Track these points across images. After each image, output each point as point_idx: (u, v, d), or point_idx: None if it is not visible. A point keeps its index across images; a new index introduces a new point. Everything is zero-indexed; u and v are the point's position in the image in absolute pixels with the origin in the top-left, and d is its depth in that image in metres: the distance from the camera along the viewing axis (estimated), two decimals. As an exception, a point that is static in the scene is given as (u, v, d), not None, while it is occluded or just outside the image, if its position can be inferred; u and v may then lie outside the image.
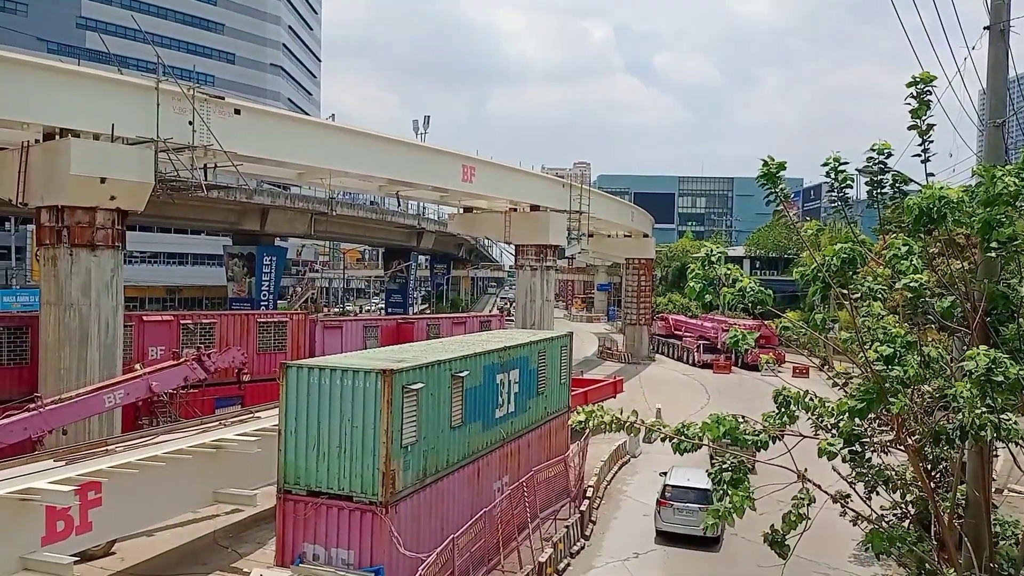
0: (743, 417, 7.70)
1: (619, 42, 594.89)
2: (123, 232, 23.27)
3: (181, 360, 23.11)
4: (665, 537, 20.09)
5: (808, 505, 7.69)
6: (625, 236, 65.61)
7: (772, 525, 7.91)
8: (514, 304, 55.33)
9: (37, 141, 22.41)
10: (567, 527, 19.31)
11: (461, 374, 16.40)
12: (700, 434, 7.67)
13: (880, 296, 7.80)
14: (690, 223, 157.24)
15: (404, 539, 14.03)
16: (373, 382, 13.90)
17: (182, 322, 27.52)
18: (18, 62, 21.81)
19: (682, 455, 7.78)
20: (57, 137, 21.82)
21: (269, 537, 18.05)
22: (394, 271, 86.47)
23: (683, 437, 7.76)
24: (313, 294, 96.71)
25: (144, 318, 26.92)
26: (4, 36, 70.72)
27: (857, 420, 7.61)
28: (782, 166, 7.84)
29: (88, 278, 22.13)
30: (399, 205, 75.15)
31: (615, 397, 35.01)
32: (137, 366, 23.21)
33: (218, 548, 18.86)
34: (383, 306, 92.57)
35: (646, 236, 67.40)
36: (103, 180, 21.77)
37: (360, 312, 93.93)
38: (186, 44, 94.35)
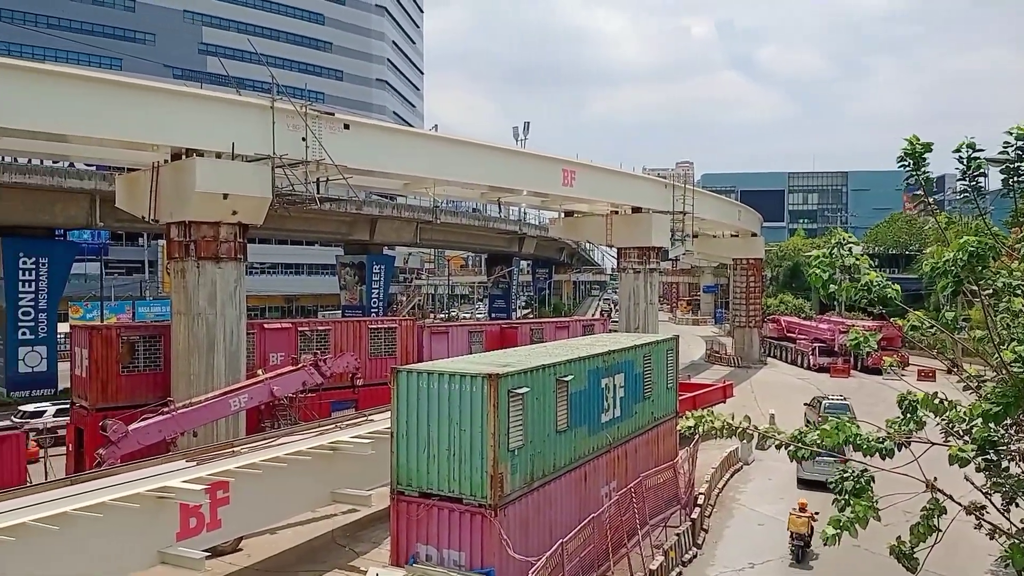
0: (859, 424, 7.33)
1: (721, 38, 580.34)
2: (244, 245, 24.66)
3: (299, 366, 24.18)
4: (805, 484, 23.58)
5: (939, 516, 7.25)
6: (732, 236, 63.81)
7: (899, 537, 7.50)
8: (617, 308, 54.82)
9: (166, 161, 24.07)
10: (678, 535, 18.94)
11: (566, 378, 16.40)
12: (818, 441, 7.37)
13: (1020, 291, 7.25)
14: (802, 220, 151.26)
15: (513, 542, 14.15)
16: (480, 386, 14.10)
17: (299, 329, 28.79)
18: (148, 88, 23.51)
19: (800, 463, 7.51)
20: (184, 157, 23.34)
21: (384, 537, 18.60)
22: (497, 276, 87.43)
23: (800, 444, 7.48)
24: (420, 300, 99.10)
25: (265, 326, 28.31)
26: (135, 64, 76.26)
27: (992, 425, 7.11)
28: (928, 147, 7.33)
29: (214, 289, 23.58)
30: (500, 211, 76.10)
31: (725, 402, 34.07)
32: (259, 372, 24.45)
33: (336, 547, 19.59)
34: (486, 311, 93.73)
35: (754, 235, 65.31)
36: (225, 196, 23.15)
37: (459, 318, 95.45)
38: (298, 64, 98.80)
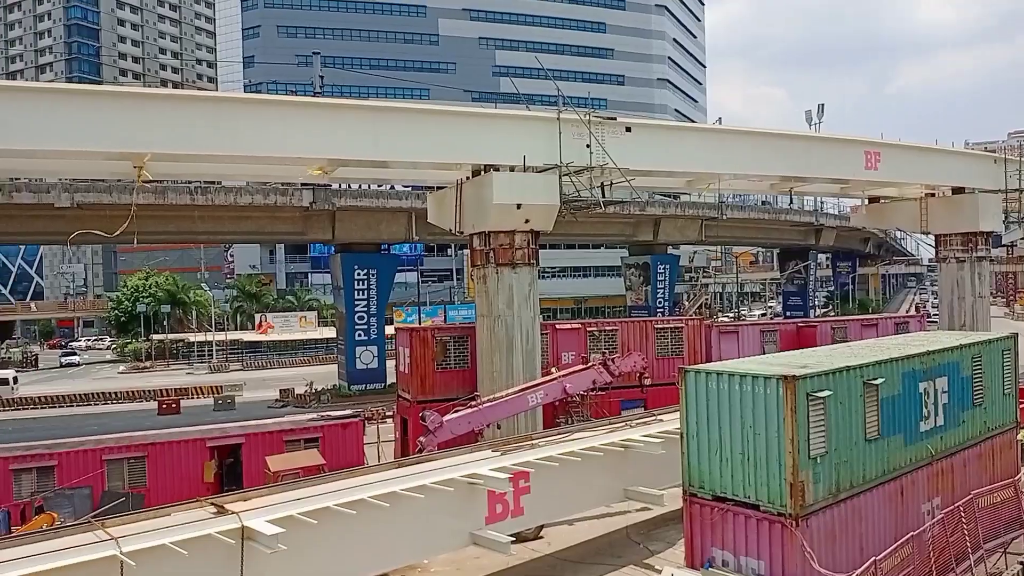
0: None
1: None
2: (536, 251, 26.15)
3: (589, 364, 24.99)
4: None
5: None
6: (1088, 215, 53.31)
7: None
8: (937, 302, 48.62)
9: (468, 178, 26.38)
10: (1021, 563, 16.28)
11: (875, 381, 14.94)
12: None
13: None
14: None
15: (818, 555, 13.23)
16: (774, 388, 13.40)
17: (588, 330, 29.74)
18: (452, 113, 26.04)
19: None
20: (482, 172, 25.40)
21: (677, 538, 18.47)
22: (791, 272, 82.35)
23: None
24: (706, 299, 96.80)
25: (557, 327, 29.71)
26: (440, 92, 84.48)
27: None
28: None
29: (511, 293, 25.34)
30: (792, 202, 71.54)
31: (1083, 412, 28.48)
32: (553, 370, 25.72)
33: (630, 543, 19.88)
34: (779, 309, 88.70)
35: (1120, 212, 53.87)
36: (519, 206, 24.76)
37: (749, 317, 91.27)
38: (581, 73, 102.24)
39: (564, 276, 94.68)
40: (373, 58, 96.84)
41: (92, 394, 51.99)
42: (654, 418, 21.29)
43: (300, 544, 12.72)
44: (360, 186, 49.34)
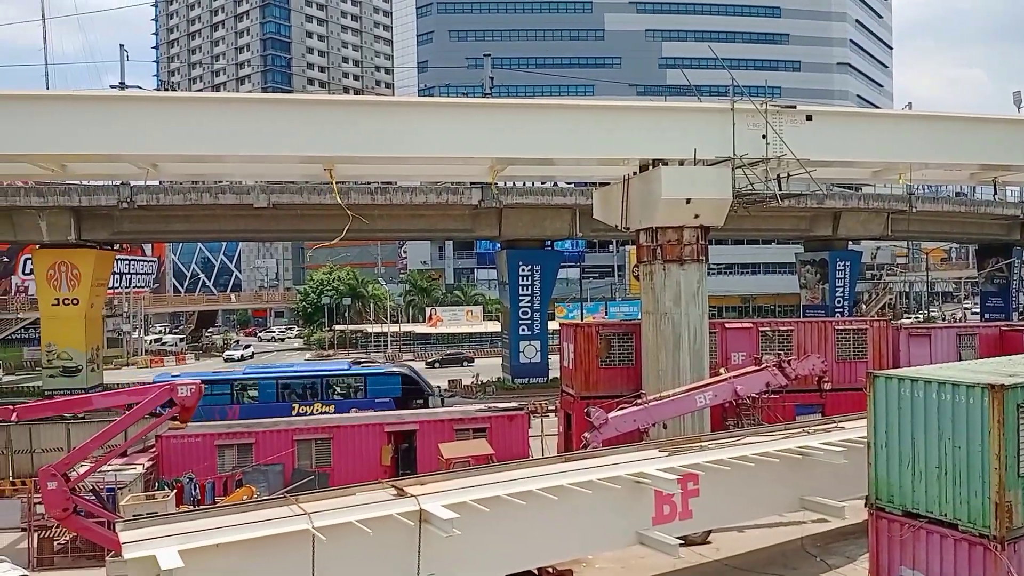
0: None
1: None
2: (706, 247, 25.39)
3: (763, 366, 23.92)
4: None
5: None
6: None
7: None
8: None
9: (635, 173, 26.06)
10: None
11: (1102, 394, 13.18)
12: None
13: None
14: None
15: (1028, 586, 11.90)
16: (979, 398, 12.17)
17: (761, 329, 28.50)
18: (618, 108, 25.90)
19: None
20: (651, 167, 24.99)
21: (858, 553, 17.34)
22: (991, 270, 74.48)
23: None
24: (890, 299, 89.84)
25: (726, 325, 28.70)
26: (605, 88, 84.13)
27: None
28: None
29: (678, 289, 24.77)
30: (995, 193, 64.52)
31: None
32: (722, 370, 24.87)
33: (806, 555, 18.88)
34: (977, 311, 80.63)
35: None
36: (688, 201, 24.14)
37: (940, 319, 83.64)
38: (754, 61, 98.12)
39: (731, 273, 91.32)
40: (540, 57, 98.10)
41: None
42: (834, 425, 20.04)
43: (472, 530, 13.16)
44: (524, 183, 50.24)
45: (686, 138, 24.50)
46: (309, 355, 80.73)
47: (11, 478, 25.07)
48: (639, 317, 27.05)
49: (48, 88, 52.15)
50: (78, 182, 43.00)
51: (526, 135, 24.69)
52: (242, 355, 72.87)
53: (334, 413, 30.74)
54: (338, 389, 34.37)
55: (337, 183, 28.74)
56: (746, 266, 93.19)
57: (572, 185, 50.89)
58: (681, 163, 24.49)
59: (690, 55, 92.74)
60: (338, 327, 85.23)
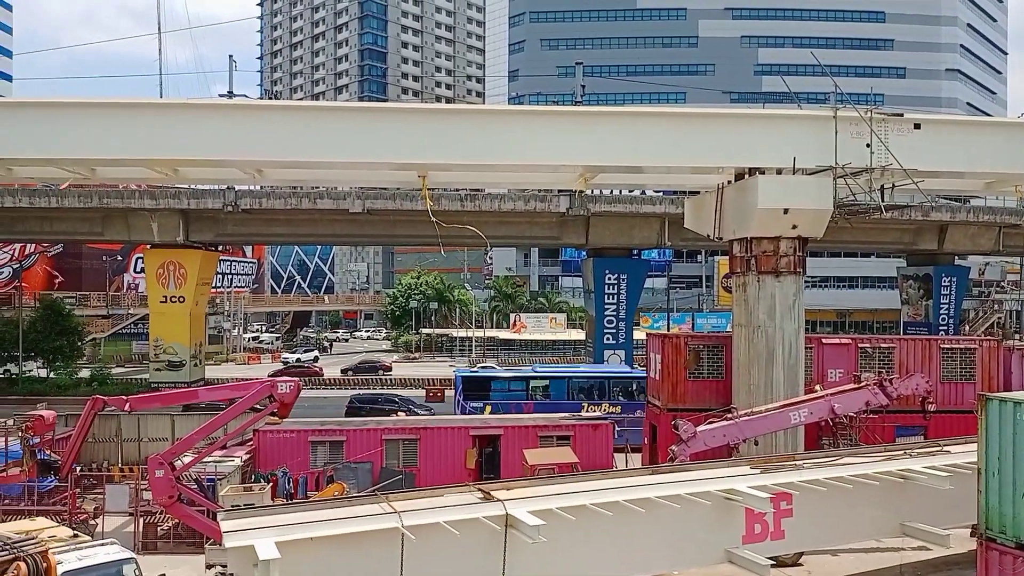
0: None
1: None
2: (803, 258, 24.57)
3: (862, 384, 22.95)
4: None
5: None
6: None
7: None
8: None
9: (729, 182, 25.49)
10: None
11: None
12: None
13: None
14: None
15: None
16: (1107, 427, 11.35)
17: (860, 346, 27.33)
18: (711, 115, 25.40)
19: None
20: (746, 176, 24.39)
21: (966, 586, 16.40)
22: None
23: None
24: (999, 318, 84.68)
25: (823, 341, 27.67)
26: (697, 95, 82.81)
27: None
28: None
29: (773, 302, 24.04)
30: None
31: None
32: (817, 387, 23.99)
33: (905, 584, 17.97)
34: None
35: None
36: (785, 211, 23.42)
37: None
38: (856, 68, 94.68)
39: (827, 286, 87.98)
40: (631, 64, 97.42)
41: (371, 379, 58.18)
42: (939, 448, 18.99)
43: (558, 538, 13.12)
44: (612, 191, 49.93)
45: (785, 146, 23.78)
46: (396, 356, 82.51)
47: (120, 464, 26.61)
48: (728, 329, 26.43)
49: (162, 97, 55.28)
50: (187, 186, 45.39)
51: (617, 143, 24.51)
52: (298, 358, 72.59)
53: (620, 413, 31.97)
54: (621, 390, 34.83)
55: (428, 189, 29.27)
56: (843, 279, 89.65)
57: (661, 193, 50.24)
58: (779, 172, 23.78)
59: (787, 61, 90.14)
60: (424, 330, 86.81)
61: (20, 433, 22.40)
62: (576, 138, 24.68)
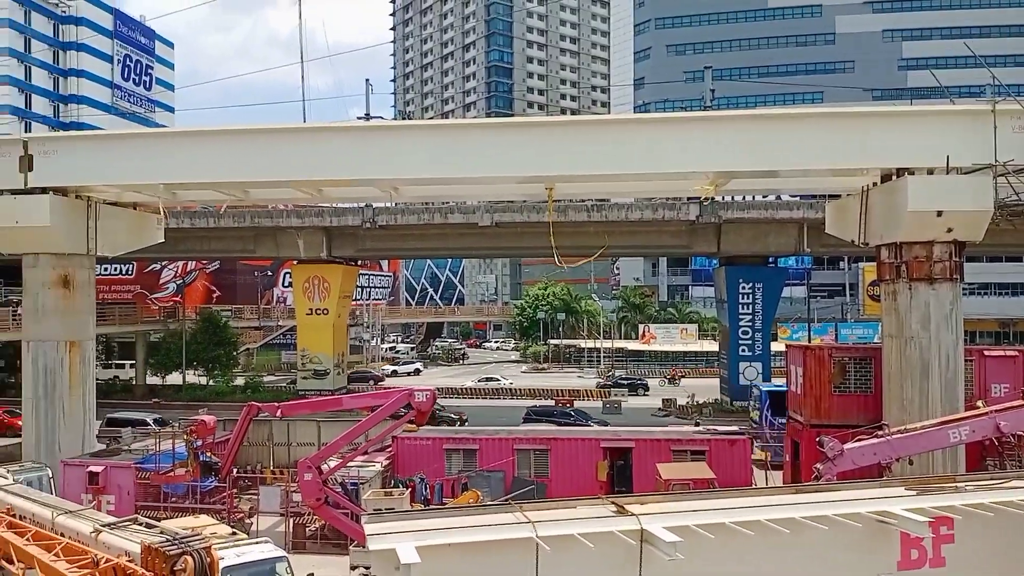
0: None
1: None
2: (960, 264, 22.80)
3: (1032, 402, 20.94)
4: None
5: None
6: None
7: None
8: None
9: (874, 184, 24.05)
10: None
11: None
12: None
13: None
14: None
15: None
16: None
17: (1030, 359, 25.02)
18: (852, 114, 24.11)
19: None
20: (894, 177, 22.94)
21: None
22: None
23: None
24: None
25: (985, 352, 25.51)
26: (834, 94, 78.85)
27: None
28: None
29: (927, 311, 22.43)
30: None
31: None
32: (979, 403, 22.08)
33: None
34: None
35: None
36: (939, 213, 21.83)
37: None
38: (1014, 57, 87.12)
39: (987, 293, 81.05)
40: (762, 66, 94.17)
41: (501, 389, 59.02)
42: None
43: (695, 556, 12.73)
44: (744, 197, 48.29)
45: (936, 144, 22.20)
46: (524, 368, 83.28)
47: (271, 467, 28.35)
48: (876, 340, 24.87)
49: (305, 121, 58.82)
50: (329, 204, 47.99)
51: (750, 147, 23.71)
52: (394, 370, 74.89)
53: None
54: None
55: (555, 200, 29.45)
56: (1005, 286, 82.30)
57: (798, 198, 48.09)
58: (930, 172, 22.22)
59: (935, 54, 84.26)
60: (552, 341, 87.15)
61: (185, 436, 24.32)
62: (706, 144, 24.10)
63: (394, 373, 72.76)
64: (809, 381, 25.18)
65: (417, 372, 75.19)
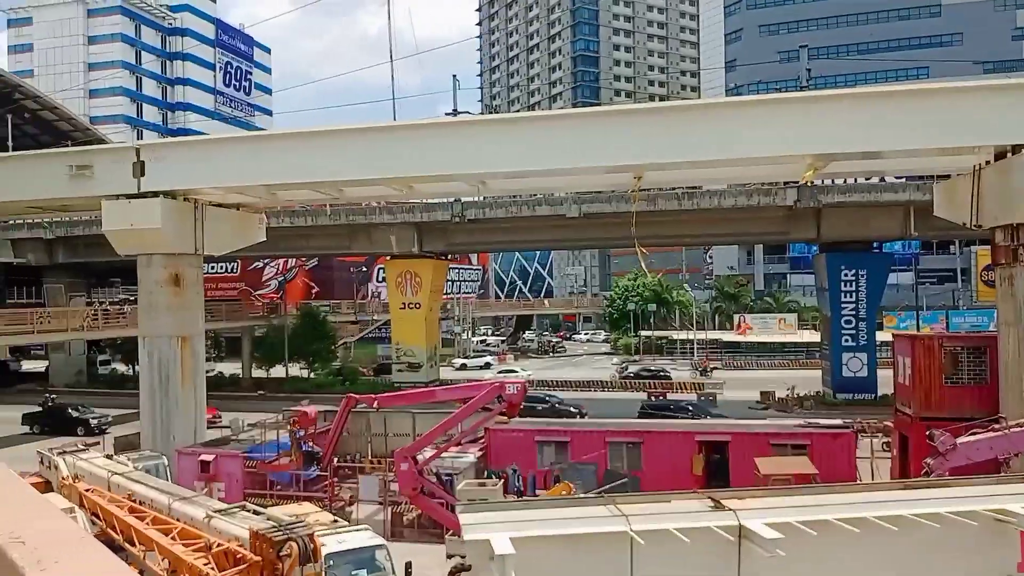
0: None
1: None
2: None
3: None
4: None
5: None
6: None
7: None
8: None
9: (988, 163, 22.58)
10: None
11: None
12: None
13: None
14: None
15: None
16: None
17: None
18: (959, 90, 22.67)
19: None
20: (1009, 154, 21.48)
21: None
22: None
23: None
24: None
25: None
26: (941, 68, 74.38)
27: None
28: None
29: (1048, 297, 20.93)
30: None
31: None
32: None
33: None
34: None
35: None
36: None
37: None
38: None
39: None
40: (861, 43, 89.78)
41: (591, 381, 58.79)
42: None
43: (796, 553, 12.33)
44: (845, 180, 46.20)
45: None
46: (616, 359, 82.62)
47: (369, 457, 29.20)
48: (991, 328, 23.36)
49: (395, 119, 60.11)
50: (419, 200, 48.91)
51: (851, 128, 22.66)
52: (463, 363, 73.24)
53: None
54: None
55: (643, 190, 28.99)
56: None
57: (904, 179, 45.64)
58: (1050, 147, 20.70)
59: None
60: (644, 332, 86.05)
61: (289, 427, 25.36)
62: (803, 126, 23.19)
63: (463, 367, 72.05)
64: (918, 372, 23.94)
65: (487, 366, 74.38)
